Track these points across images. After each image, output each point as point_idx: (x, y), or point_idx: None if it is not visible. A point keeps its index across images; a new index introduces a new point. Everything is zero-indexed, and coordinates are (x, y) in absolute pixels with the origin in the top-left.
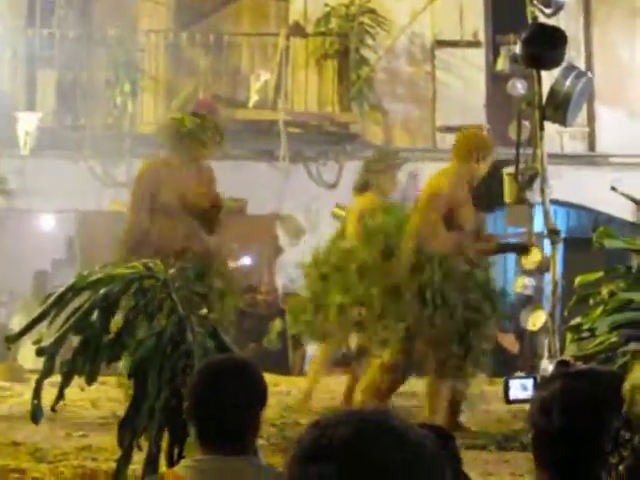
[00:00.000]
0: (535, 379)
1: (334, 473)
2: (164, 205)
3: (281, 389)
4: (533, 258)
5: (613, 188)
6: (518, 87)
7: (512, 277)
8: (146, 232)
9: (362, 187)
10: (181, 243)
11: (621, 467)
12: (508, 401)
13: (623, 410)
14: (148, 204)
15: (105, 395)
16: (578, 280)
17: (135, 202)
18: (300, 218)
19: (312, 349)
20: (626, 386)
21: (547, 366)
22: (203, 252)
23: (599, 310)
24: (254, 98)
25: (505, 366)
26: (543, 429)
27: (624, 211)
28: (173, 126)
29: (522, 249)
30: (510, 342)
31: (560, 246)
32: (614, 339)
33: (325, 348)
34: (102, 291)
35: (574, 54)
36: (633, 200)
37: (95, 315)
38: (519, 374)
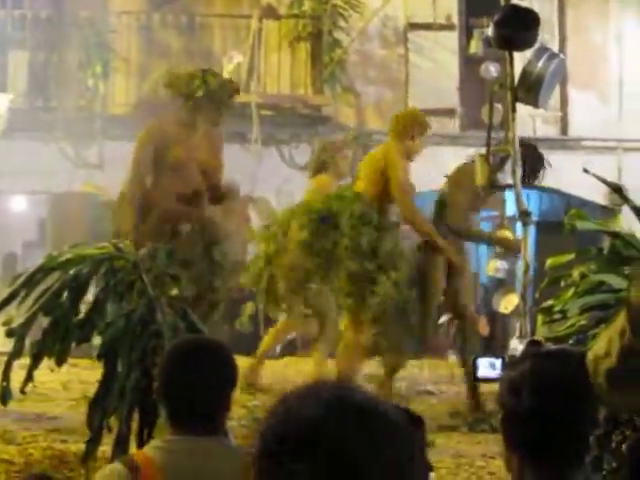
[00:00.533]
0: (504, 359)
1: (307, 454)
2: (172, 162)
3: None
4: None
5: (585, 170)
6: (491, 70)
7: (485, 262)
8: (148, 203)
9: (319, 168)
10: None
11: (624, 446)
12: (476, 379)
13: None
14: (150, 165)
15: (77, 377)
16: (549, 262)
17: (137, 165)
18: (272, 200)
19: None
20: (589, 356)
21: (516, 345)
22: (202, 220)
23: (570, 292)
24: None
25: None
26: (513, 409)
27: (596, 194)
28: (191, 82)
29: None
30: (480, 325)
31: (533, 230)
32: (584, 321)
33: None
34: (72, 272)
35: (548, 37)
36: (605, 182)
37: (65, 296)
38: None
